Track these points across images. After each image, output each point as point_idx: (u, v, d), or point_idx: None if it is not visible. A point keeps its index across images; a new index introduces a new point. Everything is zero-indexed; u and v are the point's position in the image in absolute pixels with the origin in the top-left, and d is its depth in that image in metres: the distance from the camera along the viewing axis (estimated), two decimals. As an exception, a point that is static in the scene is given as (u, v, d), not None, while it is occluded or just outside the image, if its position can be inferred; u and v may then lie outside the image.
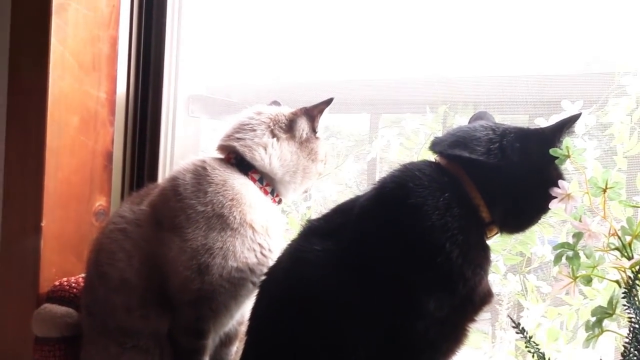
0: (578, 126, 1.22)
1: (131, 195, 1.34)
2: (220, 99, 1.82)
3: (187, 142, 1.76)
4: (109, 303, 1.21)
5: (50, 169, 1.47)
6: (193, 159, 1.27)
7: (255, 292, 1.09)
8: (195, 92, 1.77)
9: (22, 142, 1.52)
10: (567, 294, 0.97)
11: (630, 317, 0.88)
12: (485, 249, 1.00)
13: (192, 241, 1.15)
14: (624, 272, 0.93)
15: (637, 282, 0.89)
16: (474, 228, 0.97)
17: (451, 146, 1.02)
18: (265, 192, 1.25)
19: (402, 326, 0.92)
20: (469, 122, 1.14)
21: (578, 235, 0.96)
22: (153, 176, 1.70)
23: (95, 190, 1.59)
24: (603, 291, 1.15)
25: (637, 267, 0.90)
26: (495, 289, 1.25)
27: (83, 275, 1.40)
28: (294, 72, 1.87)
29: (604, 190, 0.95)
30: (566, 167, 1.01)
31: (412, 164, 1.04)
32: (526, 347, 0.94)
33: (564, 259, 0.97)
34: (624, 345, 0.88)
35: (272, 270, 1.08)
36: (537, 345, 0.93)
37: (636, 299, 0.89)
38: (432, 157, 1.06)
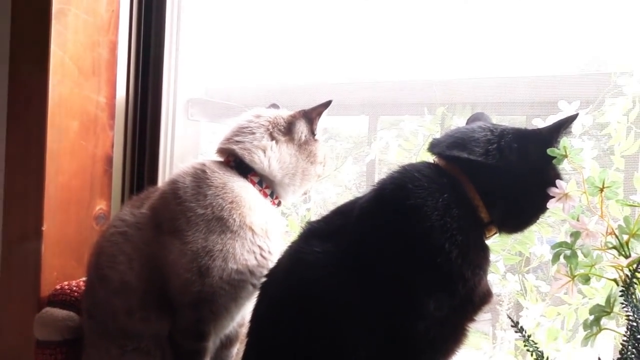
0: (575, 126, 1.23)
1: (131, 199, 1.34)
2: (219, 102, 1.82)
3: (186, 145, 1.76)
4: (109, 306, 1.21)
5: (51, 173, 1.48)
6: (193, 162, 1.27)
7: (256, 294, 1.10)
8: (194, 96, 1.78)
9: (22, 147, 1.52)
10: (565, 293, 0.97)
11: (628, 315, 0.88)
12: (485, 249, 1.00)
13: (192, 244, 1.15)
14: (622, 270, 0.93)
15: (634, 280, 0.90)
16: (473, 228, 0.98)
17: (450, 147, 1.03)
18: (265, 195, 1.26)
19: (403, 326, 0.92)
20: (467, 124, 1.15)
21: (576, 235, 0.96)
22: (153, 180, 1.70)
23: (96, 194, 1.60)
24: (601, 290, 1.16)
25: (635, 266, 0.90)
26: (494, 289, 1.25)
27: (84, 278, 1.40)
28: (292, 75, 1.88)
29: (602, 190, 0.96)
30: (564, 167, 1.02)
31: (411, 165, 1.04)
32: (525, 345, 0.94)
33: (562, 258, 0.97)
34: (622, 344, 0.89)
35: (273, 272, 1.08)
36: (535, 343, 0.93)
37: (634, 297, 0.89)
38: (430, 158, 1.07)
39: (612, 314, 0.94)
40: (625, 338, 0.88)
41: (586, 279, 0.97)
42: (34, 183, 1.48)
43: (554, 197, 0.96)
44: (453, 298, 0.94)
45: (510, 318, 0.99)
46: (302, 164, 1.27)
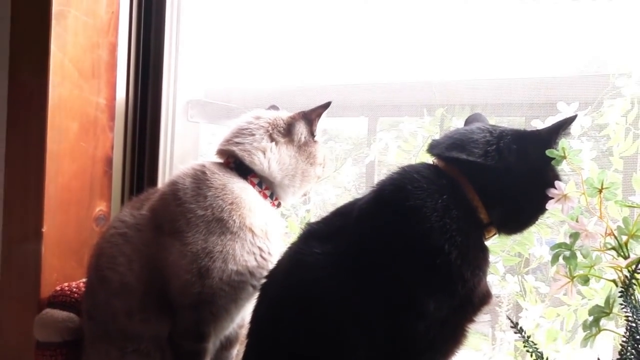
0: (574, 128, 1.23)
1: (131, 200, 1.35)
2: (218, 104, 1.83)
3: (186, 146, 1.76)
4: (109, 307, 1.22)
5: (51, 175, 1.48)
6: (192, 163, 1.28)
7: (256, 295, 1.10)
8: (194, 97, 1.78)
9: (22, 148, 1.52)
10: (565, 294, 0.98)
11: (627, 316, 0.88)
12: (484, 250, 1.00)
13: (192, 245, 1.15)
14: (621, 271, 0.93)
15: (633, 281, 0.90)
16: (472, 229, 0.98)
17: (449, 149, 1.03)
18: (265, 196, 1.26)
19: (402, 327, 0.92)
20: (464, 125, 1.15)
21: (575, 236, 0.96)
22: (153, 181, 1.71)
23: (96, 195, 1.60)
24: (600, 291, 1.16)
25: (634, 267, 0.90)
26: (494, 290, 1.26)
27: (84, 280, 1.40)
28: (291, 77, 1.88)
29: (600, 191, 0.96)
30: (563, 168, 1.02)
31: (410, 166, 1.05)
32: (524, 346, 0.94)
33: (561, 259, 0.97)
34: (621, 344, 0.89)
35: (272, 273, 1.08)
36: (535, 344, 0.94)
37: (633, 297, 0.89)
38: (430, 159, 1.07)
39: (611, 315, 0.94)
40: (624, 339, 0.88)
41: (585, 280, 0.97)
42: (34, 184, 1.48)
43: (553, 198, 0.96)
44: (453, 299, 0.94)
45: (510, 319, 1.00)
46: (302, 165, 1.27)
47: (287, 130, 1.27)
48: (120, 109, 1.68)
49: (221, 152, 1.28)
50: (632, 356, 0.87)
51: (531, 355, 0.94)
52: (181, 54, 1.73)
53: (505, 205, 1.01)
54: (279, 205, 1.30)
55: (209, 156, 1.36)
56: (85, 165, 1.57)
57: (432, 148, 1.07)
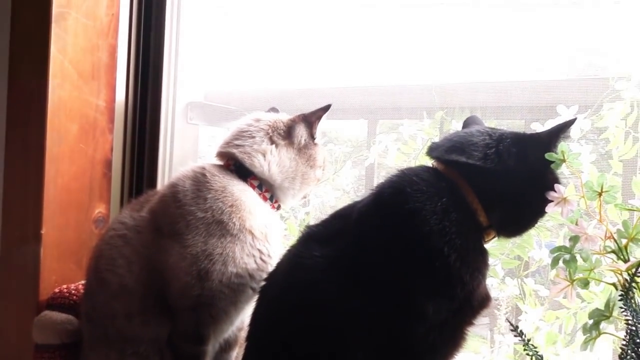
0: (573, 131, 1.23)
1: (131, 202, 1.34)
2: (218, 106, 1.83)
3: (185, 148, 1.76)
4: (109, 309, 1.21)
5: (50, 177, 1.47)
6: (192, 165, 1.28)
7: (255, 297, 1.10)
8: (193, 99, 1.78)
9: (21, 150, 1.52)
10: (564, 297, 0.98)
11: (627, 320, 0.88)
12: (483, 253, 1.00)
13: (191, 247, 1.15)
14: (621, 274, 0.93)
15: (633, 284, 0.90)
16: (471, 232, 0.98)
17: (448, 151, 1.03)
18: (265, 198, 1.26)
19: (402, 330, 0.92)
20: (462, 127, 1.15)
21: (575, 239, 0.96)
22: (152, 183, 1.70)
23: (95, 197, 1.60)
24: (600, 294, 1.16)
25: (634, 270, 0.90)
26: (493, 293, 1.26)
27: (83, 282, 1.40)
28: (291, 79, 1.88)
29: (600, 194, 0.96)
30: (562, 171, 1.02)
31: (409, 169, 1.05)
32: (524, 350, 0.94)
33: (561, 262, 0.97)
34: (621, 348, 0.89)
35: (272, 276, 1.08)
36: (535, 348, 0.94)
37: (633, 301, 0.89)
38: (429, 162, 1.07)
39: (611, 318, 0.94)
40: (624, 342, 0.88)
41: (585, 283, 0.97)
42: (33, 186, 1.48)
43: (552, 201, 0.96)
44: (452, 302, 0.94)
45: (509, 322, 1.00)
46: (302, 167, 1.27)
47: (287, 133, 1.27)
48: (120, 111, 1.69)
49: (221, 155, 1.28)
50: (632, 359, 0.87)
51: (531, 359, 0.94)
52: (181, 56, 1.74)
53: (505, 208, 1.01)
54: (278, 207, 1.30)
55: (209, 158, 1.36)
56: (85, 167, 1.56)
57: (432, 151, 1.06)
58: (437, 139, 1.37)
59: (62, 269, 1.50)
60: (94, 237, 1.54)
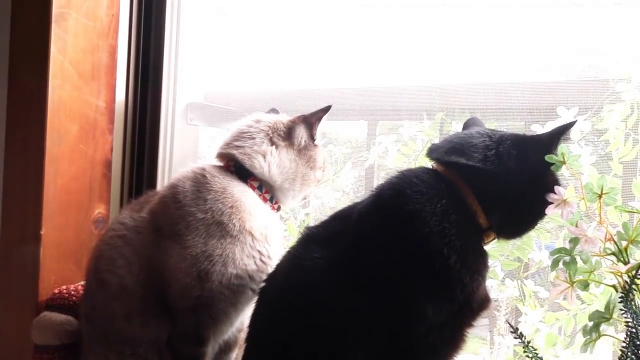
0: (574, 132, 1.23)
1: (131, 203, 1.34)
2: (218, 107, 1.83)
3: (185, 149, 1.76)
4: (108, 310, 1.21)
5: (50, 177, 1.47)
6: (192, 166, 1.27)
7: (255, 299, 1.10)
8: (193, 100, 1.78)
9: (21, 151, 1.52)
10: (564, 299, 0.98)
11: (627, 322, 0.88)
12: (483, 255, 1.00)
13: (191, 248, 1.15)
14: (621, 276, 0.93)
15: (633, 286, 0.90)
16: (471, 234, 0.98)
17: (448, 153, 1.03)
18: (265, 200, 1.26)
19: (401, 332, 0.92)
20: (462, 129, 1.15)
21: (575, 241, 0.97)
22: (152, 184, 1.70)
23: (95, 198, 1.60)
24: (600, 296, 1.16)
25: (634, 272, 0.90)
26: (493, 294, 1.26)
27: (82, 282, 1.40)
28: (291, 80, 1.88)
29: (600, 196, 0.96)
30: (562, 173, 1.02)
31: (409, 170, 1.05)
32: (524, 351, 0.94)
33: (561, 264, 0.97)
34: (621, 350, 0.89)
35: (271, 277, 1.08)
36: (535, 350, 0.94)
37: (633, 303, 0.89)
38: (429, 163, 1.07)
39: (611, 320, 0.94)
40: (624, 344, 0.88)
41: (585, 285, 0.97)
42: (32, 187, 1.48)
43: (552, 203, 0.96)
44: (452, 303, 0.94)
45: (509, 324, 1.00)
46: (302, 169, 1.27)
47: (287, 134, 1.27)
48: (120, 112, 1.69)
49: (221, 156, 1.28)
50: (632, 362, 0.87)
51: (531, 360, 0.94)
52: (181, 56, 1.74)
53: (505, 210, 1.01)
54: (278, 208, 1.30)
55: (209, 159, 1.36)
56: (85, 167, 1.56)
57: (432, 152, 1.07)
58: (437, 141, 1.37)
59: (61, 270, 1.50)
60: (93, 237, 1.54)
